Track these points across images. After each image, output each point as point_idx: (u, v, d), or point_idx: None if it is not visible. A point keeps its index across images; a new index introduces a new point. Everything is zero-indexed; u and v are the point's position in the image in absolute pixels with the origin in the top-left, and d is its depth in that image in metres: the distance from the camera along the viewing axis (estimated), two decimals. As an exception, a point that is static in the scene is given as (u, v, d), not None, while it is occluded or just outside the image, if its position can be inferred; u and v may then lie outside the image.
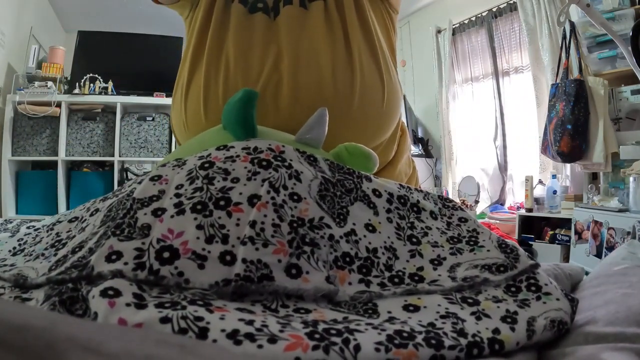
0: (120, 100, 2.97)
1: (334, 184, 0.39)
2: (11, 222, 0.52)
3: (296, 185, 0.36)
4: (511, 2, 3.09)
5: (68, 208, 2.91)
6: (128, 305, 0.24)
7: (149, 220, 0.31)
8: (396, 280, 0.34)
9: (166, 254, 0.29)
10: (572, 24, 2.35)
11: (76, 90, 2.93)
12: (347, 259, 0.33)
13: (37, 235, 0.44)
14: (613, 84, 2.27)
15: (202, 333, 0.22)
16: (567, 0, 1.66)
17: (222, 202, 0.32)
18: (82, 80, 2.95)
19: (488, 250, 0.38)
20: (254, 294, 0.29)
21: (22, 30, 2.96)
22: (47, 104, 2.78)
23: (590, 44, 2.31)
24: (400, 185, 0.45)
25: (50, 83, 2.80)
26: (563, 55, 2.44)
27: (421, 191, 0.46)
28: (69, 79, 3.01)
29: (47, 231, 0.43)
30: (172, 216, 0.32)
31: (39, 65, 2.95)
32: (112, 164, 2.97)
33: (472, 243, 0.39)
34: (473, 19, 3.43)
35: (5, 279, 0.34)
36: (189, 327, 0.22)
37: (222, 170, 0.35)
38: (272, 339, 0.22)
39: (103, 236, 0.31)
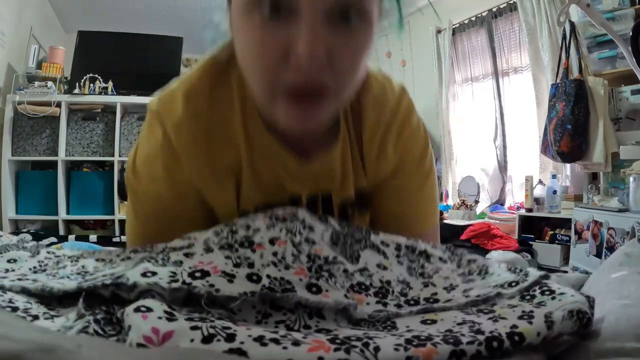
0: (120, 100, 2.97)
1: (344, 235, 0.43)
2: (27, 242, 0.53)
3: (310, 233, 0.41)
4: (511, 2, 3.09)
5: (68, 208, 2.91)
6: (160, 318, 0.26)
7: (181, 258, 0.36)
8: (412, 302, 0.36)
9: (198, 274, 0.32)
10: (572, 24, 2.35)
11: (76, 90, 2.93)
12: (363, 287, 0.37)
13: (59, 262, 0.46)
14: (613, 84, 2.27)
15: (230, 337, 0.24)
16: (567, 0, 1.66)
17: (246, 243, 0.37)
18: (82, 80, 2.95)
19: (498, 275, 0.40)
20: (277, 312, 0.31)
21: (22, 30, 2.96)
22: (47, 104, 2.78)
23: (590, 44, 2.31)
24: (407, 238, 0.49)
25: (50, 83, 2.80)
26: (563, 55, 2.44)
27: (428, 242, 0.49)
28: (69, 79, 3.01)
29: (72, 262, 0.45)
30: (201, 254, 0.36)
31: (39, 65, 2.95)
32: (112, 164, 2.97)
33: (483, 274, 0.42)
34: (473, 19, 3.42)
35: (32, 289, 0.36)
36: (217, 333, 0.25)
37: (244, 225, 0.41)
38: (296, 343, 0.24)
39: (137, 264, 0.35)
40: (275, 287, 0.31)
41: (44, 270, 0.43)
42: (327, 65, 0.44)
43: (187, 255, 0.36)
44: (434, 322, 0.31)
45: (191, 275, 0.32)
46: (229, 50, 0.55)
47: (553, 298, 0.34)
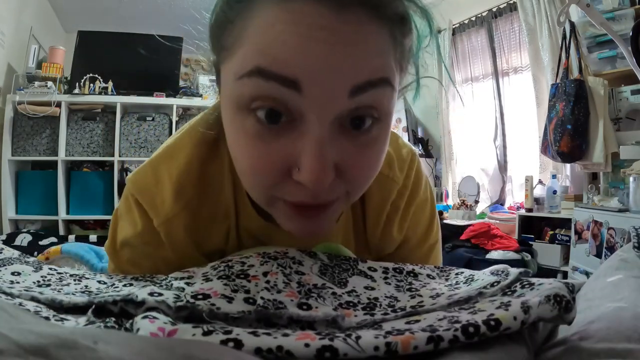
0: (120, 100, 2.98)
1: (332, 267, 0.46)
2: (28, 257, 0.54)
3: (300, 267, 0.44)
4: (511, 2, 3.09)
5: (68, 208, 2.91)
6: (165, 323, 0.29)
7: (183, 285, 0.39)
8: (398, 310, 0.38)
9: (200, 296, 0.35)
10: (572, 24, 2.35)
11: (76, 90, 2.93)
12: (351, 304, 0.39)
13: (62, 279, 0.47)
14: (613, 84, 2.27)
15: (227, 332, 0.27)
16: (567, 0, 1.66)
17: (242, 275, 0.40)
18: (82, 80, 2.95)
19: (482, 280, 0.42)
20: (271, 328, 0.33)
21: (22, 30, 2.96)
22: (47, 104, 2.78)
23: (590, 44, 2.31)
24: (395, 263, 0.50)
25: (50, 83, 2.81)
26: (563, 55, 2.44)
27: (416, 265, 0.50)
28: (69, 79, 3.01)
29: (75, 280, 0.47)
30: (201, 283, 0.39)
31: (39, 65, 2.95)
32: (112, 164, 2.97)
33: (468, 281, 0.44)
34: (473, 19, 3.43)
35: (41, 299, 0.37)
36: (215, 330, 0.28)
37: (239, 262, 0.43)
38: (286, 335, 0.27)
39: (142, 287, 0.37)
40: (269, 306, 0.34)
41: (49, 285, 0.45)
42: (335, 178, 0.37)
43: (188, 284, 0.39)
44: (417, 321, 0.33)
45: (194, 297, 0.35)
46: (219, 126, 0.46)
47: (532, 289, 0.36)
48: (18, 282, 0.44)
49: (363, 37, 0.34)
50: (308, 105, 0.34)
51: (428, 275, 0.47)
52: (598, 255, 2.00)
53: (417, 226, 0.60)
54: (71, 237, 2.79)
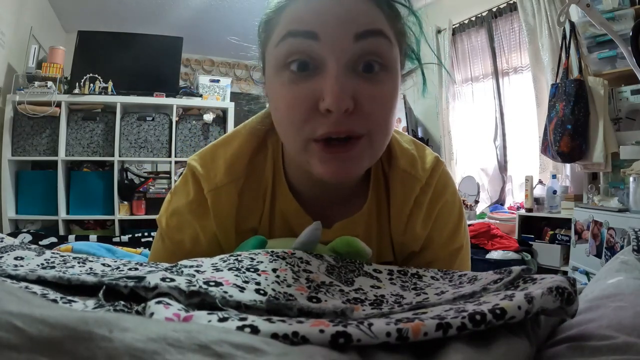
0: (120, 100, 2.97)
1: (338, 267, 0.48)
2: (30, 245, 0.54)
3: (307, 266, 0.46)
4: (511, 2, 3.09)
5: (68, 208, 2.91)
6: (179, 310, 0.29)
7: (193, 272, 0.39)
8: (405, 306, 0.39)
9: (212, 283, 0.36)
10: (572, 24, 2.35)
11: (76, 90, 2.93)
12: (359, 300, 0.41)
13: (65, 261, 0.48)
14: (613, 84, 2.27)
15: (243, 319, 0.28)
16: (567, 0, 1.66)
17: (251, 269, 0.42)
18: (82, 80, 2.95)
19: (485, 278, 0.43)
20: (283, 314, 0.34)
21: (22, 30, 2.96)
22: (47, 104, 2.78)
23: (590, 44, 2.31)
24: (399, 266, 0.52)
25: (50, 83, 2.80)
26: (563, 55, 2.45)
27: (419, 268, 0.52)
28: (69, 79, 3.01)
29: (79, 263, 0.47)
30: (212, 272, 0.40)
31: (39, 65, 2.95)
32: (112, 164, 2.97)
33: (472, 281, 0.45)
34: (473, 19, 3.43)
35: (48, 278, 0.37)
36: (230, 317, 0.28)
37: (248, 257, 0.45)
38: (300, 322, 0.29)
39: (150, 272, 0.37)
40: (280, 298, 0.36)
41: (53, 267, 0.45)
42: (354, 112, 0.46)
43: (197, 271, 0.40)
44: (424, 313, 0.34)
45: (206, 283, 0.35)
46: (269, 120, 0.60)
47: (534, 283, 0.37)
48: (22, 266, 0.44)
49: (358, 2, 0.47)
50: (325, 50, 0.46)
51: (432, 277, 0.48)
52: (598, 255, 2.00)
53: (444, 227, 0.63)
54: (71, 237, 2.78)
